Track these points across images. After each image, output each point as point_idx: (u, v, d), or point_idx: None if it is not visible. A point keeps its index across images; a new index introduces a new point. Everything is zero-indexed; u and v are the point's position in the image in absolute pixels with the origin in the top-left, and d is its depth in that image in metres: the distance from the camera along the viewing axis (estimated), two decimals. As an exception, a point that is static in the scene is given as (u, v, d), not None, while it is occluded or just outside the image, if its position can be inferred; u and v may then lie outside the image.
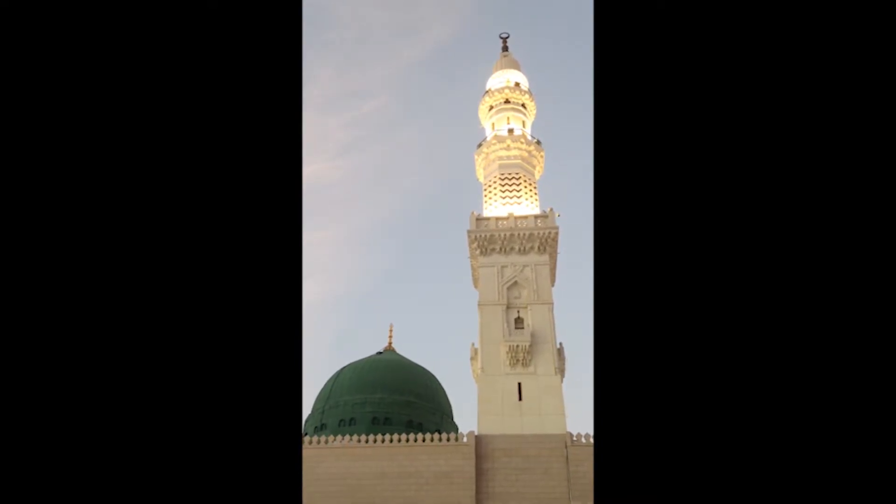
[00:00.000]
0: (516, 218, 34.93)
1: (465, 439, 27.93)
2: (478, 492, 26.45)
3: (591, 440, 27.16)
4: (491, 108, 41.34)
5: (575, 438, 27.54)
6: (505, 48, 45.42)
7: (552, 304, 32.35)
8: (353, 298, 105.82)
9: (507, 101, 41.03)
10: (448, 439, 28.00)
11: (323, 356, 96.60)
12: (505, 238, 33.92)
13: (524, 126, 40.51)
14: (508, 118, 40.38)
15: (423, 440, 27.91)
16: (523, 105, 41.27)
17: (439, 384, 39.52)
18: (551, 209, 35.17)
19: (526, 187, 37.52)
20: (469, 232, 34.65)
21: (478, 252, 34.16)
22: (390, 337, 42.58)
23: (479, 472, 26.96)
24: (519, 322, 31.90)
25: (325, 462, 27.39)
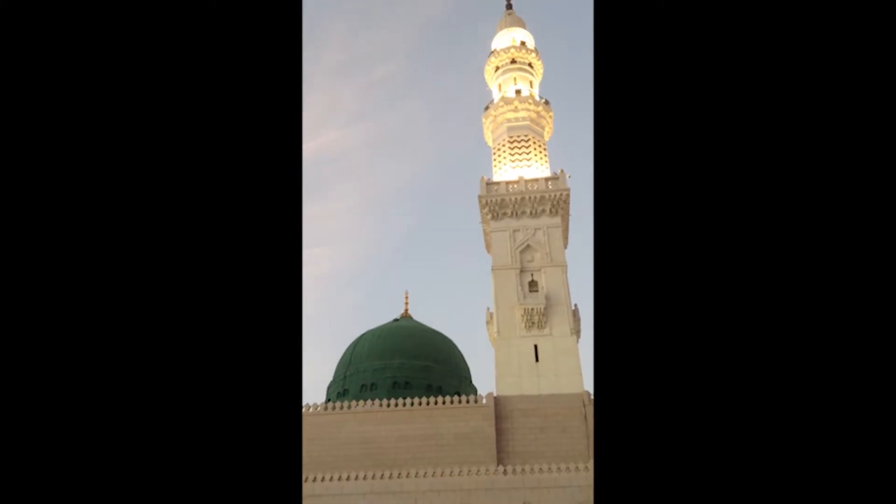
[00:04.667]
0: (526, 181, 34.76)
1: (484, 401, 28.44)
2: (498, 451, 27.02)
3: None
4: (497, 68, 40.71)
5: (592, 397, 27.92)
6: (509, 5, 44.48)
7: (565, 265, 32.46)
8: (367, 267, 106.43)
9: (513, 61, 40.37)
10: (468, 401, 28.51)
11: (341, 324, 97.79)
12: (516, 202, 33.85)
13: (531, 86, 39.94)
14: (515, 79, 39.81)
15: (444, 403, 28.45)
16: (530, 64, 40.60)
17: (456, 348, 40.03)
18: (562, 170, 34.93)
19: (535, 149, 37.23)
20: (480, 197, 34.57)
21: (489, 217, 34.15)
22: (406, 304, 43.03)
23: (499, 432, 27.51)
24: (533, 285, 32.09)
25: (347, 426, 28.09)
